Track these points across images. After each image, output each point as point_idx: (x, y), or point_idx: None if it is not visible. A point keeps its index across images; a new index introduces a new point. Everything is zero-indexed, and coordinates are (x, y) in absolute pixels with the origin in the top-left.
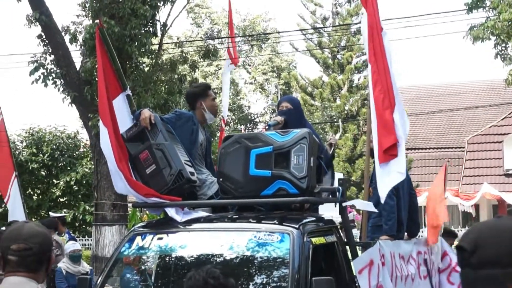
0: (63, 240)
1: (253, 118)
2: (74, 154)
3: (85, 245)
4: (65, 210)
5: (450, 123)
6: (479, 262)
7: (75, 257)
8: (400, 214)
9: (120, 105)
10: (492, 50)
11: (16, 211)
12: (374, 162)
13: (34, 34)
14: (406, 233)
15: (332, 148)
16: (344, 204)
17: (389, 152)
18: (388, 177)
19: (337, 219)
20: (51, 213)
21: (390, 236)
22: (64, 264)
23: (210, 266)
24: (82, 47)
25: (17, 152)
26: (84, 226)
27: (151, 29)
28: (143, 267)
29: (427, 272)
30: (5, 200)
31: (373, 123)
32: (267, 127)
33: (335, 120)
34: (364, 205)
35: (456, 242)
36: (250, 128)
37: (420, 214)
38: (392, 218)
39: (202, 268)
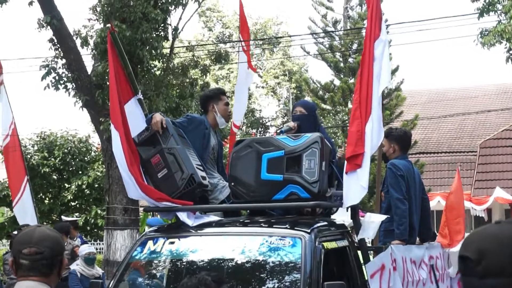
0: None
1: (264, 122)
2: (86, 158)
3: (96, 249)
4: (76, 214)
5: (462, 127)
6: (485, 271)
7: (90, 260)
8: (412, 219)
9: (132, 109)
10: (504, 54)
11: (28, 215)
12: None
13: (46, 38)
14: (418, 238)
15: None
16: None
17: (354, 162)
18: (353, 188)
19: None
20: (63, 217)
21: (402, 240)
22: (78, 267)
23: (203, 273)
24: (94, 51)
25: (28, 156)
26: (95, 230)
27: (162, 33)
28: (154, 272)
29: (439, 277)
30: (13, 204)
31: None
32: (279, 133)
33: (347, 124)
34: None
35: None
36: (261, 132)
37: (432, 217)
38: (404, 223)
39: (195, 276)
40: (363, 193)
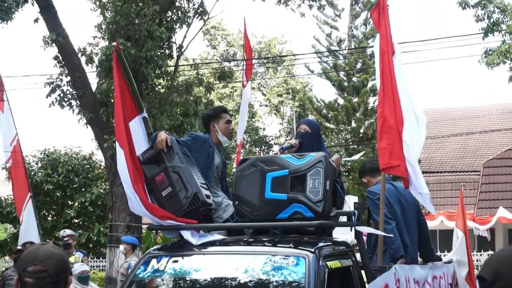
0: (76, 259)
1: (268, 140)
2: (89, 175)
3: (99, 266)
4: (79, 231)
5: (465, 147)
6: None
7: (83, 278)
8: (403, 237)
9: (137, 127)
10: (508, 73)
11: (30, 232)
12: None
13: (51, 56)
14: (421, 259)
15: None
16: (358, 228)
17: (399, 174)
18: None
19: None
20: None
21: (400, 257)
22: (72, 285)
23: None
24: (98, 69)
25: (32, 173)
26: (98, 247)
27: (167, 51)
28: None
29: None
30: (20, 221)
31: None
32: (281, 150)
33: (350, 143)
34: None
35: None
36: (265, 151)
37: (435, 236)
38: (395, 241)
39: None
40: (426, 199)
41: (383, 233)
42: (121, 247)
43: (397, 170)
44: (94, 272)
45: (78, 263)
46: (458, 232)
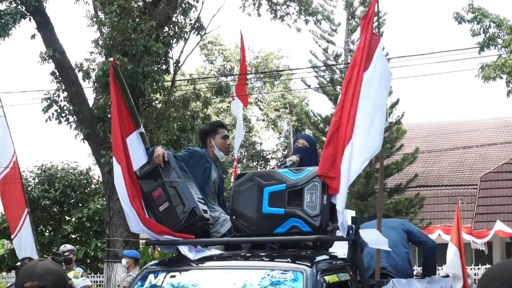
0: (76, 274)
1: (265, 155)
2: (86, 190)
3: (96, 282)
4: (77, 246)
5: (462, 161)
6: None
7: None
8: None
9: (134, 142)
10: (505, 88)
11: (28, 247)
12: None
13: (47, 71)
14: (421, 271)
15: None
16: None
17: (331, 186)
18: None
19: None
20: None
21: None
22: None
23: None
24: (95, 84)
25: (29, 189)
26: (95, 262)
27: (164, 66)
28: None
29: None
30: (12, 237)
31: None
32: (283, 167)
33: None
34: (377, 243)
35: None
36: (262, 165)
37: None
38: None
39: None
40: (340, 217)
41: (383, 247)
42: (123, 261)
43: (331, 182)
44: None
45: (80, 279)
46: (452, 247)
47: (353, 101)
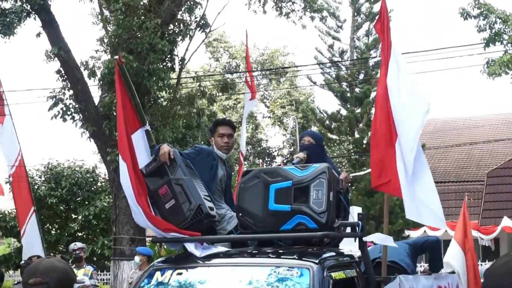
0: (86, 271)
1: (271, 152)
2: (93, 188)
3: (103, 279)
4: (83, 244)
5: (469, 157)
6: None
7: None
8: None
9: (139, 140)
10: (511, 84)
11: (34, 246)
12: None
13: (53, 70)
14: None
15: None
16: (364, 239)
17: (391, 190)
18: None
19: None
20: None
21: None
22: None
23: None
24: (101, 82)
25: (35, 187)
26: (102, 260)
27: (169, 63)
28: None
29: None
30: (21, 235)
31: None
32: (290, 165)
33: (352, 154)
34: (383, 239)
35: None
36: (268, 162)
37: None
38: None
39: None
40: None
41: (389, 244)
42: (137, 258)
43: (387, 188)
44: (98, 286)
45: (92, 280)
46: (455, 245)
47: (388, 105)
